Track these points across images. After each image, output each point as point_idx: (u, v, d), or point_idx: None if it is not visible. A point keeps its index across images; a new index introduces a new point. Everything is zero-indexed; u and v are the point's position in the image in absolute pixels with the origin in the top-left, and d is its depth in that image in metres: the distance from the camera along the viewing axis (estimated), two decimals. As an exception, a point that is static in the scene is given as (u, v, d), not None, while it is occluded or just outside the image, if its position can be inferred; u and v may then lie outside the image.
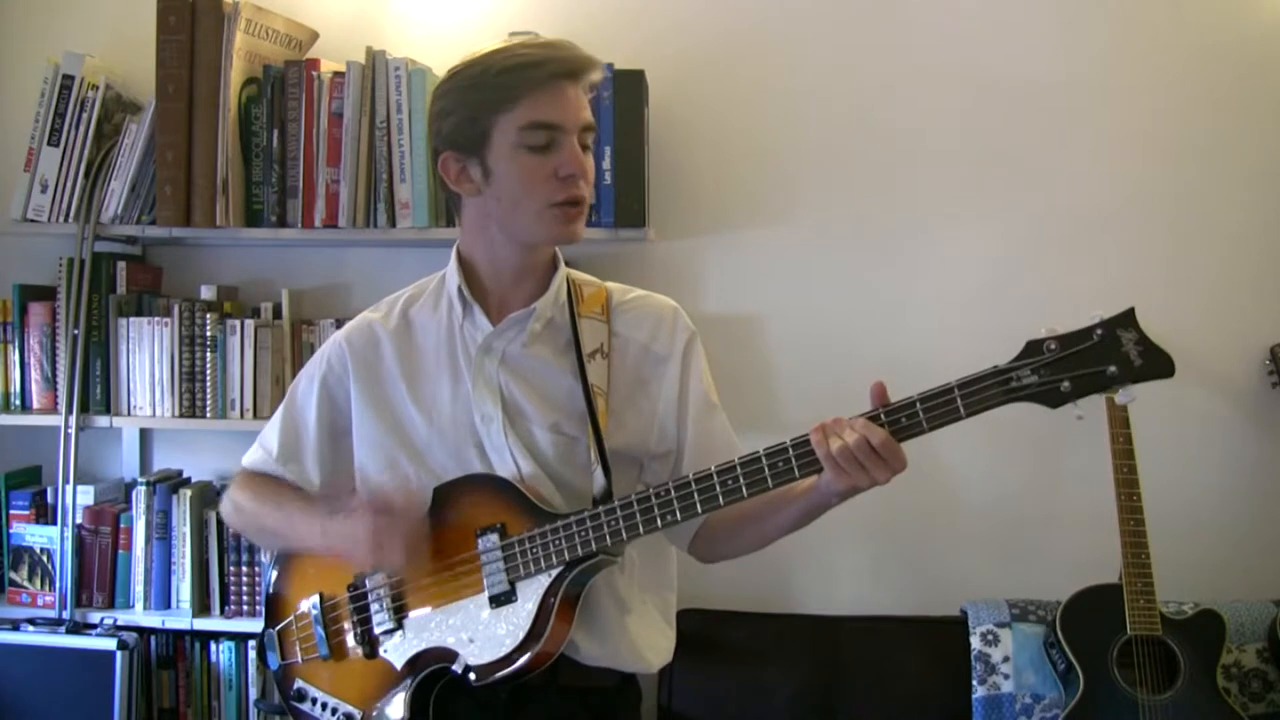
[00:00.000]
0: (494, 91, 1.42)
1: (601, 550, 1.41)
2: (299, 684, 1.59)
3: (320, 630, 1.56)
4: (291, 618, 1.61)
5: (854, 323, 2.55)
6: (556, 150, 1.42)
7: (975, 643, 2.33)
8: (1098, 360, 1.25)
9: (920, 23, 2.52)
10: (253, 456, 1.66)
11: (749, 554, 1.58)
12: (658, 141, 2.49)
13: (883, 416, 1.33)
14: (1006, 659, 2.30)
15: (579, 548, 1.41)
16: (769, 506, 1.48)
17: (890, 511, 2.54)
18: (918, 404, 1.31)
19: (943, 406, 1.30)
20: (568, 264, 1.59)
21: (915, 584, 2.54)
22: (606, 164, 2.34)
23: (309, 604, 1.58)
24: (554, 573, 1.42)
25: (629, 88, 2.35)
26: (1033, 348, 1.28)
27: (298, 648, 1.59)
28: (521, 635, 1.41)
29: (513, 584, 1.43)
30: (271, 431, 1.64)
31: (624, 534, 1.40)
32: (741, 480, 1.37)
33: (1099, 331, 1.26)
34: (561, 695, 1.49)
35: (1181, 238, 2.48)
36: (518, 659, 1.40)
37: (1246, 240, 2.47)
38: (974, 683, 2.31)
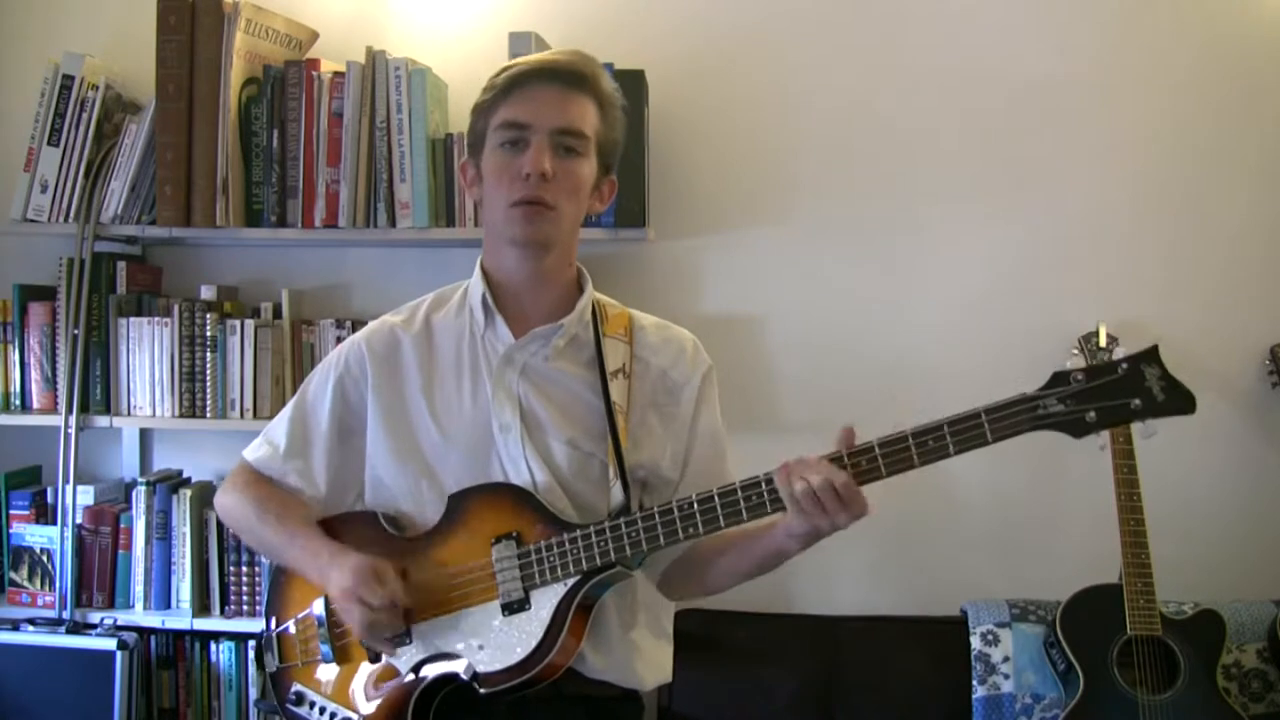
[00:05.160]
0: (489, 95, 1.50)
1: (620, 561, 1.41)
2: (297, 688, 1.57)
3: (325, 634, 1.54)
4: (293, 620, 1.59)
5: (854, 323, 2.55)
6: (525, 150, 1.46)
7: (975, 643, 2.33)
8: (1122, 393, 1.29)
9: (920, 23, 2.52)
10: (257, 452, 1.63)
11: (707, 596, 1.59)
12: (658, 141, 2.49)
13: (909, 439, 1.32)
14: (1006, 659, 2.30)
15: (597, 558, 1.41)
16: (740, 541, 1.49)
17: (890, 511, 2.50)
18: (945, 427, 1.32)
19: (970, 430, 1.31)
20: None
21: (915, 584, 2.54)
22: (606, 164, 2.34)
23: (315, 607, 1.56)
24: (570, 582, 1.42)
25: (629, 88, 2.31)
26: (1059, 378, 1.31)
27: (298, 650, 1.58)
28: (534, 643, 1.41)
29: (527, 592, 1.43)
30: (279, 427, 1.62)
31: (644, 545, 1.40)
32: (742, 504, 1.39)
33: (1124, 366, 1.30)
34: (563, 706, 1.49)
35: (1182, 238, 2.48)
36: (530, 667, 1.40)
37: (1246, 240, 2.47)
38: (974, 683, 2.31)
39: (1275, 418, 2.47)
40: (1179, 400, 1.29)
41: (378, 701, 1.50)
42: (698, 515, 1.39)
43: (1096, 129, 2.49)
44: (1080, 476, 2.43)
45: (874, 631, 2.43)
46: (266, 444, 1.63)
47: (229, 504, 1.64)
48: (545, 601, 1.42)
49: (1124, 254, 2.48)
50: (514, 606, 1.43)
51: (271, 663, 1.60)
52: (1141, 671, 2.12)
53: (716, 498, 1.39)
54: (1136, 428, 1.33)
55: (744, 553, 1.50)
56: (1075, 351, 2.35)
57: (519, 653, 1.41)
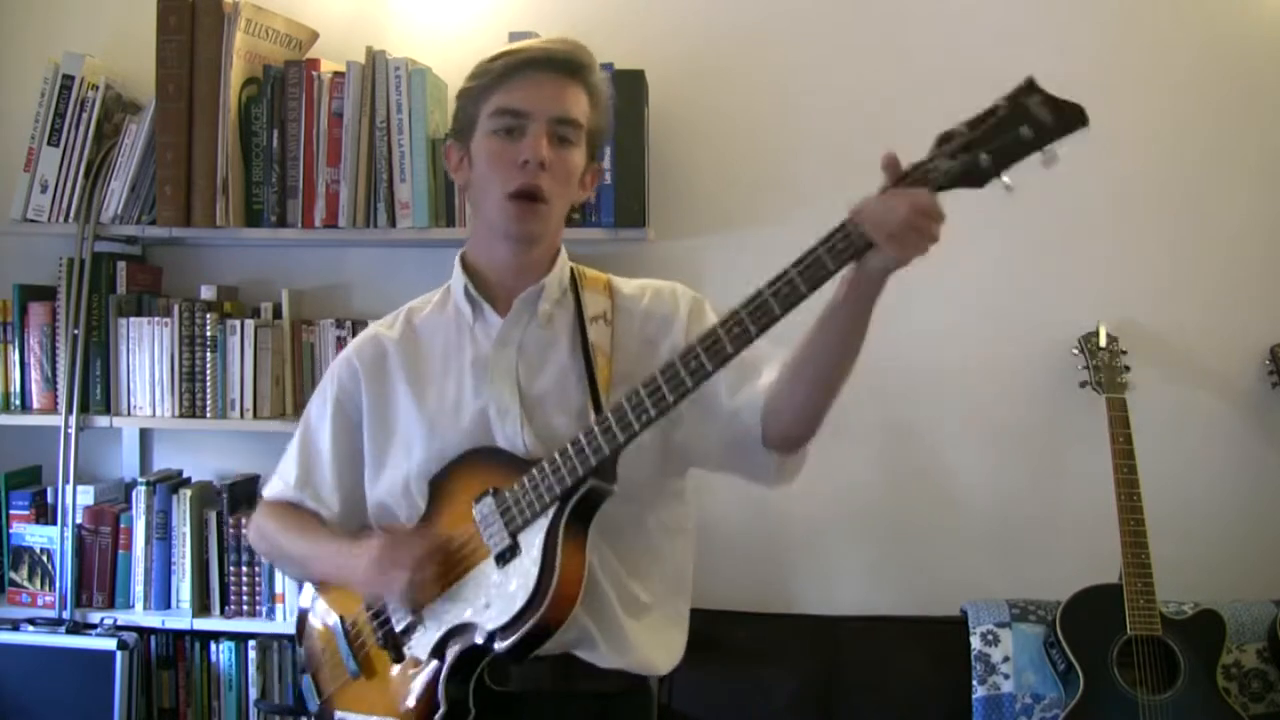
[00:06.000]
0: (482, 79, 1.49)
1: (588, 474, 1.38)
2: (339, 715, 1.57)
3: (345, 646, 1.55)
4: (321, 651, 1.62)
5: (854, 323, 2.54)
6: (522, 137, 1.46)
7: (975, 643, 2.33)
8: (1009, 126, 1.29)
9: (920, 23, 2.52)
10: (273, 489, 1.66)
11: (827, 406, 1.55)
12: (658, 141, 2.49)
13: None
14: (1006, 659, 2.30)
15: (567, 478, 1.38)
16: (812, 345, 1.48)
17: (890, 511, 2.54)
18: (848, 225, 1.37)
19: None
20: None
21: (915, 584, 2.54)
22: (606, 164, 2.34)
23: (331, 623, 1.59)
24: (550, 513, 1.40)
25: (629, 88, 2.35)
26: (943, 138, 1.31)
27: (329, 676, 1.59)
28: (533, 583, 1.38)
29: (514, 536, 1.42)
30: (288, 461, 1.65)
31: (605, 448, 1.37)
32: (701, 356, 1.37)
33: (1002, 102, 1.29)
34: (575, 700, 1.48)
35: (1182, 238, 2.48)
36: (536, 608, 1.37)
37: (1246, 240, 2.47)
38: (974, 683, 2.31)
39: (1275, 418, 2.46)
40: (1068, 117, 1.26)
41: (412, 697, 1.49)
42: (645, 400, 1.35)
43: (1096, 129, 2.47)
44: (1080, 477, 2.43)
45: (874, 631, 2.43)
46: (279, 480, 1.66)
47: (254, 535, 1.70)
48: (533, 540, 1.40)
49: (1124, 253, 2.48)
50: (506, 555, 1.42)
51: (313, 703, 1.61)
52: (1141, 671, 2.12)
53: (658, 375, 1.35)
54: (1037, 159, 1.29)
55: (827, 350, 1.50)
56: (1075, 352, 2.35)
57: (521, 597, 1.39)
